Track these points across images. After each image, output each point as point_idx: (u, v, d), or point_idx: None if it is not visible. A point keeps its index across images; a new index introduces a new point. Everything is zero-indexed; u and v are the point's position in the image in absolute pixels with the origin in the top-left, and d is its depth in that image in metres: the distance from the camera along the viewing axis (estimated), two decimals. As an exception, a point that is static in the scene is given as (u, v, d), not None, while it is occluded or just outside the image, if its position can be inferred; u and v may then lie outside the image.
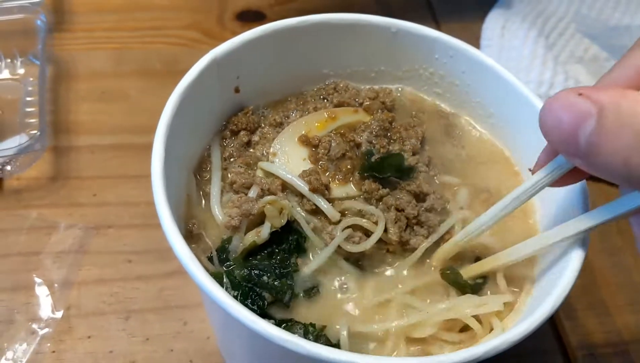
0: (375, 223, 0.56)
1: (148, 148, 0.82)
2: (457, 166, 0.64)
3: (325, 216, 0.57)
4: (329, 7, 0.69)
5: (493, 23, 1.02)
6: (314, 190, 0.57)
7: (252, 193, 0.57)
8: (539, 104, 0.59)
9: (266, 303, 0.52)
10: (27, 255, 0.73)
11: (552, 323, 0.77)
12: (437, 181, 0.62)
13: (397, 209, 0.57)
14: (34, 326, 0.69)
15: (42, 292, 0.71)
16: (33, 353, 0.67)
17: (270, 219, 0.55)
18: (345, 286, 0.55)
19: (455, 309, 0.52)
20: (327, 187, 0.58)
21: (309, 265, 0.55)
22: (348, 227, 0.55)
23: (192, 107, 0.57)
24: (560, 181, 0.49)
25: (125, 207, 0.78)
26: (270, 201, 0.55)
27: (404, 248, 0.56)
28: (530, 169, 0.51)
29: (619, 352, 0.76)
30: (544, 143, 0.57)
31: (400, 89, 0.69)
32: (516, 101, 0.60)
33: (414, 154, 0.62)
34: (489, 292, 0.55)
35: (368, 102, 0.65)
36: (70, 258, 0.73)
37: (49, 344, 0.67)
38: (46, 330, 0.68)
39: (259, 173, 0.60)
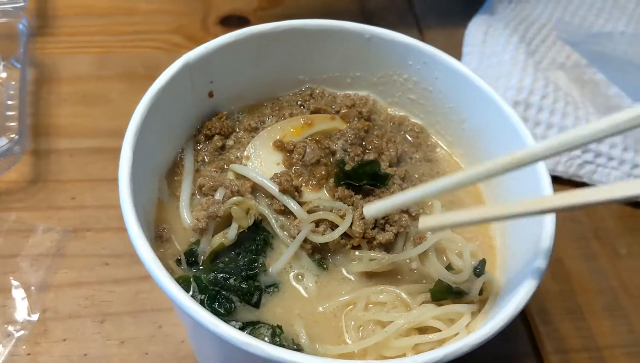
0: (343, 217, 0.56)
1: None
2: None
3: (295, 217, 0.57)
4: (312, 13, 0.70)
5: (475, 29, 1.02)
6: (283, 191, 0.57)
7: (219, 195, 0.58)
8: (507, 108, 0.59)
9: (234, 306, 0.53)
10: (4, 257, 0.73)
11: (528, 327, 0.77)
12: None
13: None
14: (10, 328, 0.69)
15: (18, 295, 0.71)
16: (8, 355, 0.67)
17: (237, 220, 0.56)
18: (306, 284, 0.56)
19: (415, 321, 0.53)
20: (298, 190, 0.59)
21: (276, 263, 0.55)
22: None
23: (164, 112, 0.57)
24: None
25: (103, 210, 0.78)
26: (237, 202, 0.56)
27: (370, 245, 0.56)
28: None
29: (595, 357, 0.76)
30: (511, 144, 0.58)
31: (374, 100, 0.70)
32: (487, 106, 0.61)
33: (390, 166, 0.62)
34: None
35: (345, 110, 0.66)
36: (48, 261, 0.74)
37: (24, 347, 0.67)
38: (22, 332, 0.68)
39: (231, 176, 0.60)
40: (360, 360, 0.49)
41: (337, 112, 0.67)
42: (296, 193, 0.58)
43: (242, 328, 0.50)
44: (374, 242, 0.57)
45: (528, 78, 0.93)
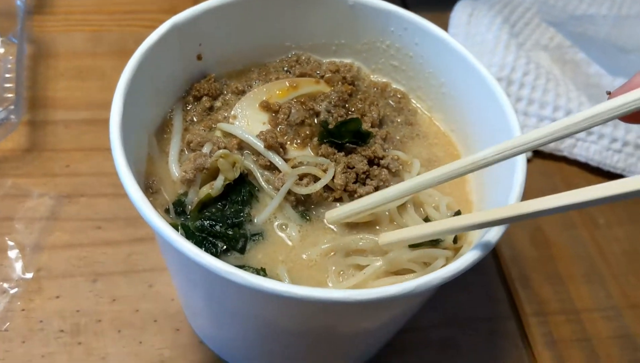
0: (325, 171, 0.59)
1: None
2: (409, 144, 0.67)
3: (279, 172, 0.59)
4: None
5: (460, 12, 1.05)
6: (269, 147, 0.60)
7: (206, 148, 0.60)
8: (486, 72, 0.62)
9: (219, 251, 0.55)
10: (0, 219, 0.76)
11: (508, 291, 0.80)
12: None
13: (349, 167, 0.60)
14: (5, 285, 0.71)
15: (13, 254, 0.73)
16: (3, 311, 0.69)
17: (223, 172, 0.58)
18: (290, 233, 0.58)
19: (391, 264, 0.55)
20: (283, 147, 0.61)
21: (261, 214, 0.58)
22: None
23: (153, 71, 0.60)
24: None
25: (97, 177, 0.80)
26: (223, 155, 0.58)
27: (352, 197, 0.59)
28: (608, 93, 0.46)
29: (572, 319, 0.79)
30: (489, 112, 0.61)
31: (358, 67, 0.72)
32: (465, 70, 0.63)
33: (372, 127, 0.65)
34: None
35: (329, 75, 0.69)
36: (42, 223, 0.76)
37: (19, 302, 0.70)
38: (16, 289, 0.71)
39: (218, 134, 0.63)
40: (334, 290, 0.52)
41: (322, 77, 0.69)
42: (281, 150, 0.61)
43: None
44: (355, 195, 0.59)
45: (510, 56, 0.96)
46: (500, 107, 0.60)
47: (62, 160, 0.82)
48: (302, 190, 0.58)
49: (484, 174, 0.62)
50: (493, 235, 0.51)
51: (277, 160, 0.60)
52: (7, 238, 0.74)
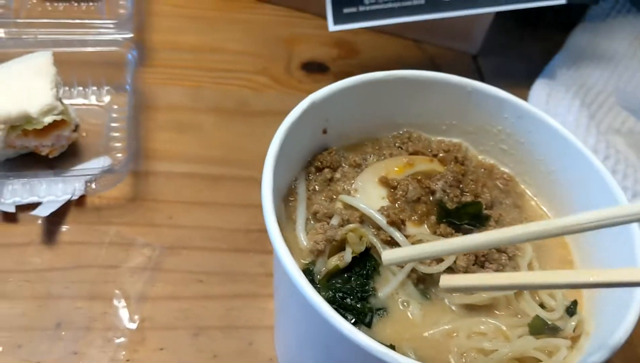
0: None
1: (220, 178, 0.90)
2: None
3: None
4: (387, 63, 0.76)
5: (539, 91, 1.09)
6: (391, 223, 0.62)
7: (335, 221, 0.63)
8: (599, 165, 0.65)
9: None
10: (106, 267, 0.78)
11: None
12: None
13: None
14: (110, 335, 0.73)
15: (119, 304, 0.76)
16: (109, 360, 0.71)
17: (351, 245, 0.61)
18: (412, 311, 0.60)
19: (518, 350, 0.57)
20: (404, 223, 0.64)
21: (384, 288, 0.60)
22: None
23: (289, 144, 0.63)
24: None
25: (198, 231, 0.83)
26: (352, 229, 0.61)
27: None
28: None
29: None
30: (601, 202, 0.64)
31: (467, 147, 0.75)
32: (578, 162, 0.66)
33: (486, 208, 0.68)
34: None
35: (442, 154, 0.72)
36: (146, 274, 0.79)
37: (124, 352, 0.72)
38: (122, 339, 0.73)
39: (339, 205, 0.66)
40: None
41: (435, 155, 0.72)
42: (402, 226, 0.63)
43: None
44: None
45: (591, 139, 0.99)
46: (614, 200, 0.63)
47: (163, 211, 0.85)
48: (427, 269, 0.60)
49: (594, 262, 0.65)
50: (622, 331, 0.53)
51: (399, 236, 0.62)
52: (113, 287, 0.76)
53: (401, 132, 0.75)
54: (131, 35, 0.96)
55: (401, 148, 0.74)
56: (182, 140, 0.94)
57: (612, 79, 1.18)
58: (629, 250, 0.59)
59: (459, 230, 0.65)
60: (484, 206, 0.67)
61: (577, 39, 1.25)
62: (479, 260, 0.63)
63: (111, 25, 0.98)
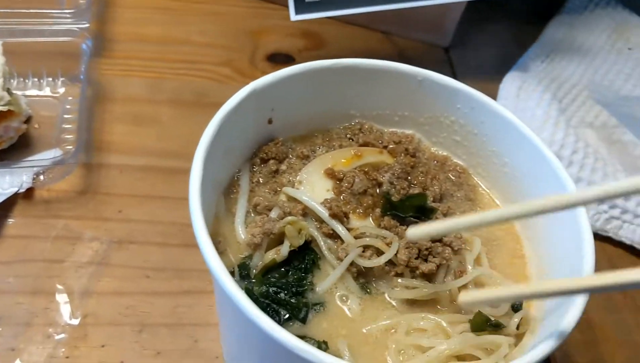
0: (389, 244, 0.59)
1: (175, 171, 0.88)
2: None
3: (342, 242, 0.60)
4: (353, 55, 0.73)
5: (509, 84, 1.07)
6: (333, 216, 0.60)
7: (274, 213, 0.61)
8: (552, 156, 0.62)
9: (282, 319, 0.55)
10: (51, 262, 0.76)
11: (552, 374, 0.79)
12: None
13: (412, 242, 0.60)
14: (51, 330, 0.71)
15: (61, 299, 0.73)
16: (47, 357, 0.69)
17: (289, 238, 0.59)
18: (351, 306, 0.58)
19: (456, 348, 0.54)
20: (347, 216, 0.61)
21: (323, 283, 0.58)
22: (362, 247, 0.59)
23: (228, 133, 0.61)
24: None
25: (148, 225, 0.81)
26: (291, 222, 0.59)
27: (413, 274, 0.59)
28: None
29: (616, 408, 0.77)
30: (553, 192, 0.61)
31: (419, 138, 0.73)
32: (530, 153, 0.64)
33: (434, 201, 0.65)
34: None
35: (393, 146, 0.69)
36: (92, 268, 0.76)
37: (63, 349, 0.69)
38: (62, 335, 0.71)
39: (282, 198, 0.63)
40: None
41: (385, 147, 0.70)
42: (345, 219, 0.61)
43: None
44: (417, 271, 0.59)
45: (560, 133, 0.96)
46: (564, 190, 0.60)
47: (114, 205, 0.83)
48: (366, 263, 0.58)
49: (545, 254, 0.62)
50: (567, 322, 0.50)
51: (341, 229, 0.60)
52: (56, 282, 0.74)
53: (352, 123, 0.73)
54: (87, 25, 0.94)
55: (352, 140, 0.72)
56: (139, 132, 0.91)
57: (588, 73, 1.16)
58: (576, 242, 0.57)
59: (404, 222, 0.62)
60: (430, 199, 0.65)
61: (553, 32, 1.22)
62: (422, 254, 0.60)
63: (68, 15, 0.95)
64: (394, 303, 0.59)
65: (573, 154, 0.94)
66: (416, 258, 0.60)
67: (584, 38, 1.23)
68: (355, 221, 0.63)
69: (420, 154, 0.72)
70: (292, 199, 0.63)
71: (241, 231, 0.61)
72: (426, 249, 0.60)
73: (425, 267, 0.59)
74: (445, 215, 0.65)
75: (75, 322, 0.72)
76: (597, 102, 1.09)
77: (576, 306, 0.51)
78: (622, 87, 1.15)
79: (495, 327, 0.56)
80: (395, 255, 0.59)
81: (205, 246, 0.50)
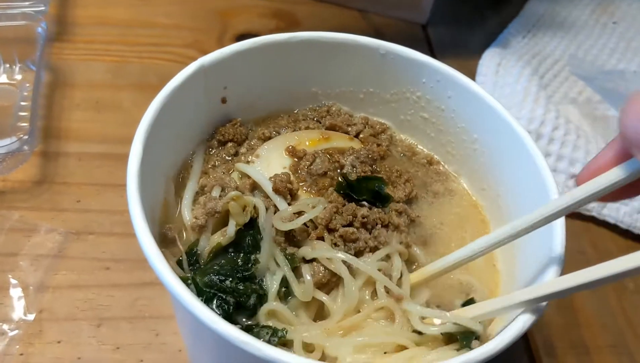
0: (314, 207, 0.55)
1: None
2: (436, 204, 0.64)
3: None
4: None
5: (489, 60, 1.03)
6: (276, 190, 0.56)
7: (215, 192, 0.57)
8: (520, 130, 0.59)
9: (231, 308, 0.51)
10: (4, 255, 0.72)
11: (532, 359, 0.76)
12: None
13: (349, 214, 0.56)
14: (4, 327, 0.67)
15: (15, 294, 0.70)
16: (1, 354, 0.65)
17: (234, 216, 0.54)
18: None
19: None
20: (292, 193, 0.57)
21: (260, 257, 0.54)
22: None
23: (176, 112, 0.57)
24: (615, 194, 0.45)
25: (107, 215, 0.77)
26: (234, 197, 0.55)
27: (346, 244, 0.55)
28: (574, 177, 0.49)
29: (598, 393, 0.74)
30: (522, 171, 0.58)
31: (391, 128, 0.70)
32: (499, 127, 0.61)
33: (406, 198, 0.62)
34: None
35: (365, 135, 0.66)
36: (48, 261, 0.73)
37: (17, 346, 0.66)
38: (16, 331, 0.67)
39: (235, 176, 0.60)
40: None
41: (357, 135, 0.66)
42: (289, 196, 0.57)
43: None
44: (336, 234, 0.55)
45: (540, 109, 0.93)
46: (536, 167, 0.57)
47: (72, 194, 0.79)
48: (281, 225, 0.54)
49: (513, 247, 0.59)
50: (527, 317, 0.47)
51: (280, 203, 0.56)
52: (10, 276, 0.71)
53: (320, 105, 0.69)
54: (44, 8, 0.90)
55: (319, 122, 0.68)
56: (99, 118, 0.87)
57: (571, 48, 1.12)
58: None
59: (357, 205, 0.58)
60: (385, 184, 0.60)
61: (535, 6, 1.18)
62: (355, 224, 0.56)
63: (25, -1, 0.91)
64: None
65: (554, 131, 0.91)
66: (346, 226, 0.55)
67: (567, 12, 1.20)
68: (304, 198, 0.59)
69: (392, 147, 0.68)
70: (244, 176, 0.60)
71: (187, 214, 0.57)
72: (362, 217, 0.56)
73: (356, 246, 0.55)
74: (407, 227, 0.60)
75: (30, 317, 0.68)
76: (580, 77, 1.05)
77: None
78: (607, 62, 1.11)
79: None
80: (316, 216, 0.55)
81: (141, 234, 0.47)
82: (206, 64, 0.59)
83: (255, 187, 0.58)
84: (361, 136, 0.67)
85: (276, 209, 0.56)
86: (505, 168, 0.62)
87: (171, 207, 0.58)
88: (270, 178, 0.57)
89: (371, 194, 0.58)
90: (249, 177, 0.58)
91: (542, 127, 0.91)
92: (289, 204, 0.56)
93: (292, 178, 0.58)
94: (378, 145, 0.66)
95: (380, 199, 0.59)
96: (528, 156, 0.57)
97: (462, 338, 0.50)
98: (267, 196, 0.57)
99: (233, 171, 0.60)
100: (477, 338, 0.50)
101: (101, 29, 1.00)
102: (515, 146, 0.59)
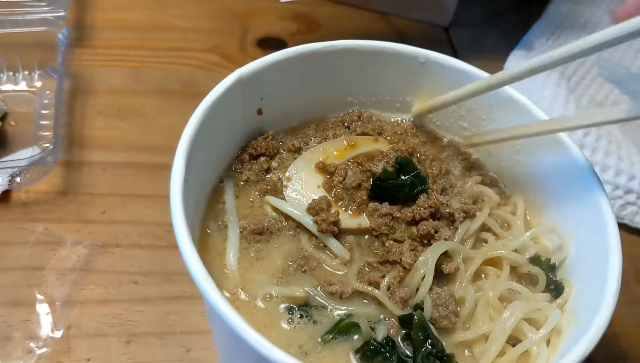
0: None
1: (161, 167, 0.82)
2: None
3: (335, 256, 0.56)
4: (349, 38, 0.68)
5: (514, 64, 1.01)
6: (322, 231, 0.55)
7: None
8: (568, 141, 0.57)
9: None
10: (30, 269, 0.71)
11: (570, 372, 0.74)
12: None
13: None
14: (32, 345, 0.66)
15: (42, 310, 0.68)
16: (29, 373, 0.64)
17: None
18: None
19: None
20: (337, 223, 0.56)
21: None
22: None
23: (214, 127, 0.55)
24: None
25: (134, 226, 0.76)
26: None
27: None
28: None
29: (638, 406, 0.73)
30: (573, 186, 0.56)
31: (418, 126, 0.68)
32: (545, 138, 0.59)
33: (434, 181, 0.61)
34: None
35: (390, 135, 0.64)
36: (74, 275, 0.71)
37: (45, 364, 0.64)
38: (44, 349, 0.65)
39: (267, 209, 0.58)
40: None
41: (380, 134, 0.65)
42: (335, 228, 0.56)
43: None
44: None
45: (570, 114, 0.91)
46: (584, 178, 0.55)
47: (97, 205, 0.77)
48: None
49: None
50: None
51: (333, 243, 0.56)
52: (36, 291, 0.69)
53: (350, 111, 0.67)
54: (64, 13, 0.88)
55: (349, 128, 0.66)
56: (122, 126, 0.86)
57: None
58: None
59: (396, 201, 0.58)
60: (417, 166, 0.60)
61: (558, 7, 1.16)
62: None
63: (43, 4, 0.89)
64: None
65: (585, 137, 0.89)
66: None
67: (591, 12, 1.17)
68: (348, 221, 0.57)
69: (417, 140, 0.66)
70: (277, 210, 0.58)
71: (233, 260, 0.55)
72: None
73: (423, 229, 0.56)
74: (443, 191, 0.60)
75: (58, 334, 0.67)
76: (607, 79, 1.03)
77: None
78: (632, 64, 1.09)
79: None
80: None
81: (187, 253, 0.45)
82: (244, 75, 0.57)
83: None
84: (384, 134, 0.65)
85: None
86: (549, 178, 0.60)
87: (209, 232, 0.56)
88: (309, 209, 0.56)
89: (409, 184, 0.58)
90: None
91: (573, 133, 0.89)
92: (340, 231, 0.56)
93: (329, 198, 0.57)
94: (405, 141, 0.64)
95: (420, 182, 0.58)
96: (576, 166, 0.56)
97: None
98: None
99: (265, 203, 0.59)
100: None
101: (120, 33, 0.98)
102: (562, 156, 0.57)
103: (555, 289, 0.56)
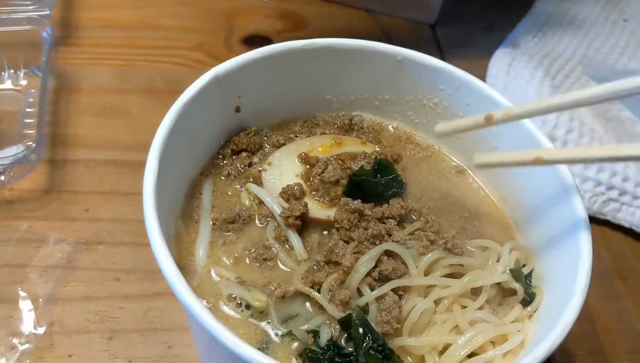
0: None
1: (145, 165, 0.82)
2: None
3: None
4: (335, 36, 0.69)
5: (499, 61, 1.01)
6: (287, 226, 0.56)
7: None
8: (543, 139, 0.58)
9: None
10: (14, 267, 0.71)
11: (550, 367, 0.75)
12: None
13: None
14: (15, 341, 0.66)
15: (25, 306, 0.69)
16: (11, 369, 0.64)
17: None
18: None
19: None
20: (303, 216, 0.56)
21: None
22: None
23: (190, 125, 0.56)
24: None
25: (117, 224, 0.76)
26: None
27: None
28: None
29: (617, 401, 0.73)
30: (545, 181, 0.57)
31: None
32: (519, 136, 0.59)
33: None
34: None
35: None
36: (58, 272, 0.71)
37: (28, 361, 0.65)
38: (27, 346, 0.66)
39: (244, 196, 0.59)
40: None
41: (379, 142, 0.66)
42: (299, 223, 0.56)
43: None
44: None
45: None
46: (558, 176, 0.56)
47: (81, 203, 0.78)
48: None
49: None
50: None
51: (295, 240, 0.56)
52: (19, 288, 0.69)
53: (340, 114, 0.68)
54: (49, 12, 0.88)
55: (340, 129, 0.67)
56: (107, 124, 0.86)
57: (581, 47, 1.10)
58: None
59: (370, 198, 0.58)
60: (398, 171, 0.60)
61: (544, 5, 1.17)
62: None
63: (29, 3, 0.89)
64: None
65: (567, 134, 0.90)
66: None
67: (577, 10, 1.18)
68: (317, 211, 0.57)
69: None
70: (255, 197, 0.59)
71: (202, 254, 0.56)
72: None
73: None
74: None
75: (41, 330, 0.67)
76: (592, 77, 1.04)
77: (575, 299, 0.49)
78: (617, 61, 1.09)
79: None
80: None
81: (158, 250, 0.46)
82: (220, 74, 0.57)
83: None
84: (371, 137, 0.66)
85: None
86: (525, 175, 0.60)
87: (186, 223, 0.57)
88: (282, 193, 0.56)
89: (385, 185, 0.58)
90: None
91: (556, 130, 0.90)
92: (308, 220, 0.56)
93: (304, 187, 0.57)
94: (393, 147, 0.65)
95: (397, 185, 0.58)
96: (556, 174, 0.56)
97: None
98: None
99: (244, 190, 0.59)
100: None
101: (106, 32, 0.98)
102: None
103: (528, 298, 0.56)
